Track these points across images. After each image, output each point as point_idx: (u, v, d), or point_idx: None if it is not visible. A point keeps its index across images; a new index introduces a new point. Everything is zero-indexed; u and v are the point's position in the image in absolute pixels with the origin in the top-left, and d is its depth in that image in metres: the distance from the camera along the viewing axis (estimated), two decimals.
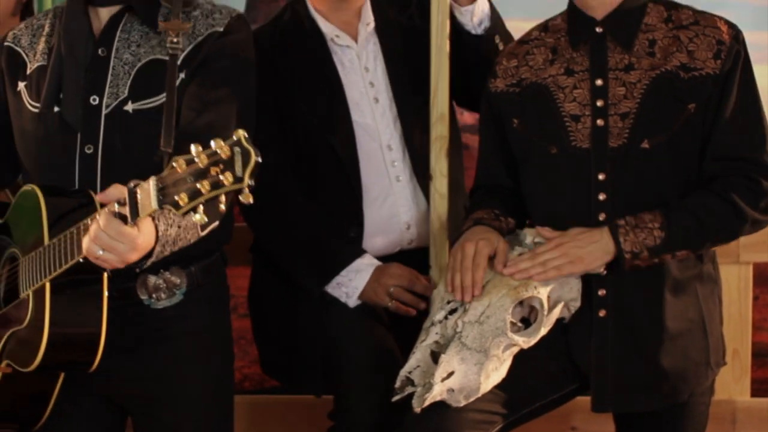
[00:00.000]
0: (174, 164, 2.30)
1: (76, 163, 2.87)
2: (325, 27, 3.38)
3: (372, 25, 3.40)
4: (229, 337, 3.11)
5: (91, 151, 2.87)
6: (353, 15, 3.42)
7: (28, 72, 2.97)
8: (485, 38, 3.31)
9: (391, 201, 3.36)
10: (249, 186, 2.26)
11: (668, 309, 2.91)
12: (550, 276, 2.90)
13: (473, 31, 3.30)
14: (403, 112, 3.41)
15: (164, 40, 2.87)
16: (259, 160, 2.26)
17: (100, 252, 2.48)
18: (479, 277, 2.93)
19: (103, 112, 2.87)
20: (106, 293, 2.68)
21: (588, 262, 2.90)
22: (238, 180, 2.25)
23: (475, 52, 3.31)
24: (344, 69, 3.37)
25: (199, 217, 2.30)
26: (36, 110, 2.91)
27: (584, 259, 2.90)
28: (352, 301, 3.26)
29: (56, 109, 2.88)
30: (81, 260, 2.56)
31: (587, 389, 2.98)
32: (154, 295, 2.86)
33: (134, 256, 2.52)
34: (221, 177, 2.26)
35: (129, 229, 2.45)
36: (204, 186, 2.27)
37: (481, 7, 3.29)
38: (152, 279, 2.84)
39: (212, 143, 2.28)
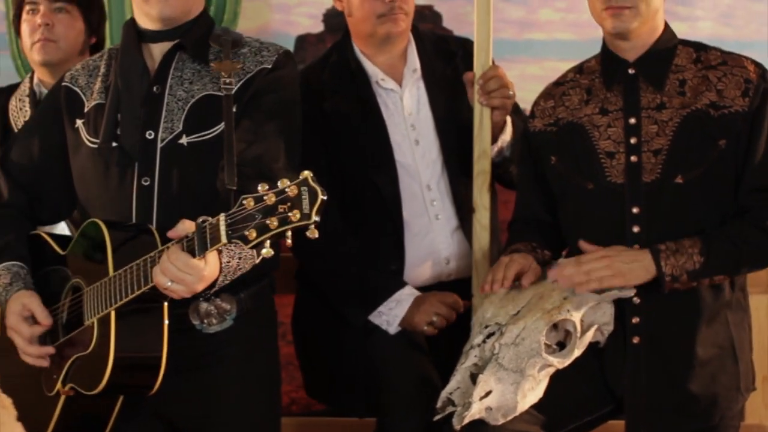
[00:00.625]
0: (243, 202, 2.41)
1: (133, 195, 2.94)
2: (371, 69, 3.44)
3: (418, 71, 3.46)
4: (276, 360, 3.16)
5: (147, 183, 2.93)
6: (397, 58, 3.47)
7: (86, 110, 3.04)
8: (501, 164, 3.38)
9: (431, 237, 3.41)
10: (315, 222, 2.36)
11: (699, 336, 2.95)
12: (592, 287, 2.94)
13: (494, 159, 3.36)
14: (444, 155, 3.46)
15: (215, 77, 2.94)
16: (325, 198, 2.37)
17: (169, 283, 2.57)
18: (510, 274, 3.00)
19: (159, 145, 2.94)
20: (166, 321, 2.75)
21: (629, 278, 2.94)
22: (306, 217, 2.36)
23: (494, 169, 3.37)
24: (388, 111, 3.43)
25: (266, 251, 2.41)
26: (95, 145, 2.98)
27: (626, 274, 2.94)
28: (393, 329, 3.32)
29: (114, 144, 2.95)
30: (147, 290, 2.65)
31: (620, 412, 3.02)
32: (205, 321, 2.92)
33: (200, 287, 2.61)
34: (289, 214, 2.37)
35: (196, 261, 2.55)
36: (272, 222, 2.38)
37: (504, 140, 3.37)
38: (204, 305, 2.90)
39: (279, 183, 2.39)
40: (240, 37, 3.04)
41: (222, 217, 2.45)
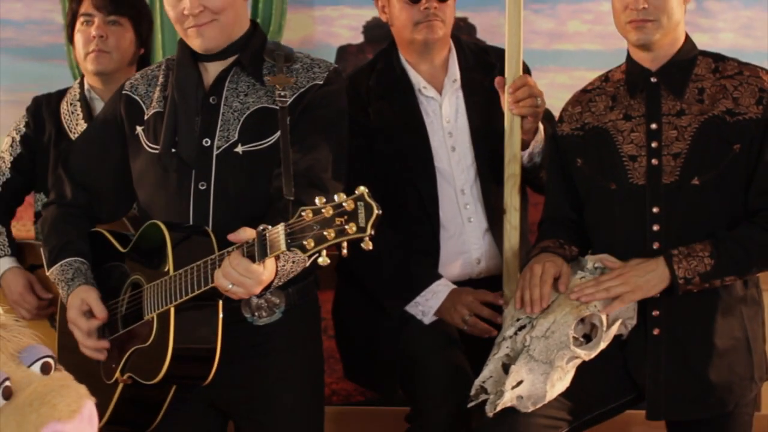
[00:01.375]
0: (302, 213, 2.48)
1: (190, 198, 3.00)
2: (414, 77, 3.48)
3: (458, 81, 3.50)
4: (320, 350, 3.21)
5: (204, 187, 2.99)
6: (439, 68, 3.51)
7: (146, 117, 3.10)
8: (532, 170, 3.42)
9: (464, 239, 3.46)
10: (370, 235, 2.44)
11: (716, 329, 3.02)
12: (615, 307, 2.99)
13: (525, 164, 3.40)
14: (478, 162, 3.49)
15: (270, 90, 2.99)
16: (380, 213, 2.43)
17: (230, 286, 2.65)
18: (546, 293, 3.03)
19: (215, 152, 3.00)
20: (221, 315, 2.82)
21: (646, 289, 3.00)
22: (362, 230, 2.43)
23: (525, 174, 3.41)
24: (428, 118, 3.47)
25: (322, 259, 2.48)
26: (155, 151, 3.04)
27: (643, 287, 2.99)
28: (428, 319, 3.37)
29: (173, 150, 3.00)
30: (207, 290, 2.72)
31: (642, 400, 3.09)
32: (256, 314, 2.98)
33: (258, 289, 2.68)
34: (346, 227, 2.44)
35: (256, 267, 2.62)
36: (330, 233, 2.44)
37: (536, 147, 3.40)
38: (255, 300, 2.95)
39: (336, 197, 2.46)
40: (291, 52, 3.09)
41: (281, 226, 2.52)
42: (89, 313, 2.96)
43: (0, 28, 4.33)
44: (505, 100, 3.31)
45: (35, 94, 4.18)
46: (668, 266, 2.98)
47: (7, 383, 2.14)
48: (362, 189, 2.45)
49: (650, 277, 3.00)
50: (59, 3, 4.52)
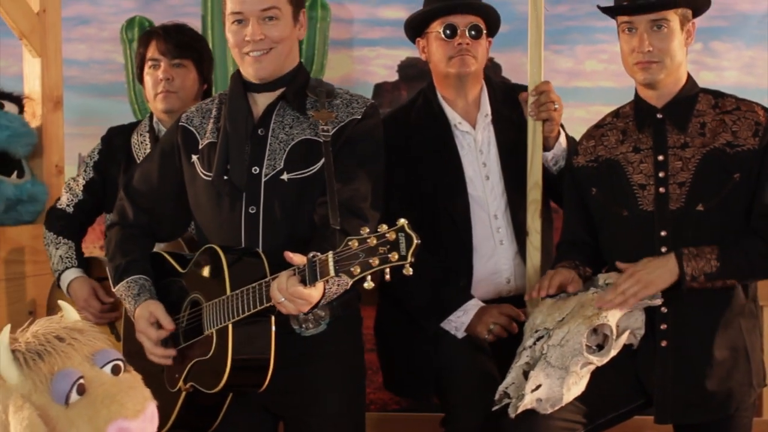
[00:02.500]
0: (349, 243, 2.59)
1: (242, 221, 3.07)
2: (450, 114, 3.56)
3: (489, 117, 3.57)
4: (362, 358, 3.27)
5: (254, 211, 3.06)
6: (473, 105, 3.58)
7: (200, 147, 3.16)
8: (558, 174, 3.49)
9: (495, 260, 3.53)
10: (411, 262, 2.54)
11: (718, 340, 3.10)
12: (631, 303, 3.06)
13: (549, 170, 3.49)
14: (509, 189, 3.55)
15: (312, 123, 3.07)
16: (419, 242, 2.54)
17: (282, 299, 2.76)
18: (554, 283, 3.16)
19: (263, 179, 3.07)
20: (273, 329, 2.91)
21: (658, 284, 3.07)
22: (403, 258, 2.54)
23: (549, 182, 3.48)
24: (463, 150, 3.55)
25: (367, 284, 2.59)
26: (208, 178, 3.11)
27: (655, 281, 3.06)
28: (460, 334, 3.45)
29: (225, 177, 3.08)
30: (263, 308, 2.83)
31: (650, 405, 3.17)
32: (303, 326, 3.06)
33: (306, 309, 2.80)
34: (389, 255, 2.55)
35: (307, 291, 2.72)
36: (374, 261, 2.56)
37: (557, 152, 3.47)
38: (302, 314, 2.97)
39: (379, 228, 2.56)
40: (332, 88, 3.16)
41: (330, 254, 2.62)
42: (156, 325, 3.04)
43: (67, 68, 4.44)
44: (528, 109, 3.42)
45: (98, 127, 4.29)
46: (678, 263, 3.06)
47: (82, 381, 2.27)
48: (402, 221, 2.55)
49: (660, 272, 3.06)
50: (120, 44, 4.69)
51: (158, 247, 3.38)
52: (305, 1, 3.23)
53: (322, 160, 3.00)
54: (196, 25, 4.54)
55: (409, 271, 2.55)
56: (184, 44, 3.74)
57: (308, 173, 3.06)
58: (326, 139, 3.00)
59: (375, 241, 2.56)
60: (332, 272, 2.62)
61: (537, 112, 3.40)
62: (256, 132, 3.12)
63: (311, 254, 2.69)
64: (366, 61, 4.94)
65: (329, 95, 3.13)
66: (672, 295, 3.10)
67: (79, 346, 2.32)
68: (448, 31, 3.47)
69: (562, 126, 3.52)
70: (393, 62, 4.89)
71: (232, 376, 2.90)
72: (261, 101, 3.15)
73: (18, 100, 4.19)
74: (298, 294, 2.73)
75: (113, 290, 3.20)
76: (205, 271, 3.06)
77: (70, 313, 2.46)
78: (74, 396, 2.25)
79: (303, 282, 2.72)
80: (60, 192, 4.12)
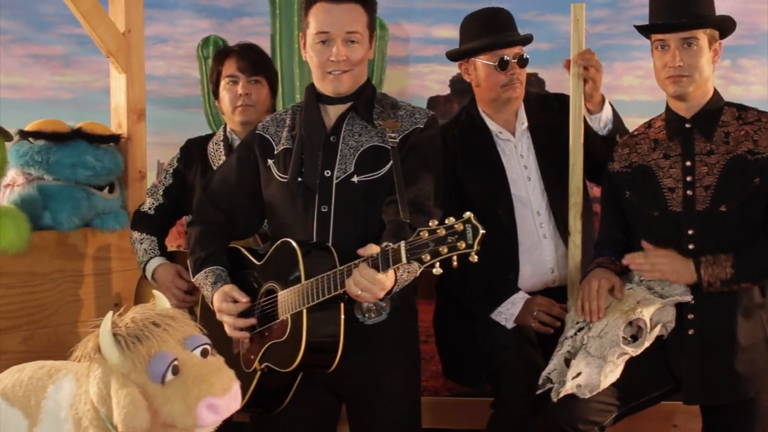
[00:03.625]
0: (420, 233, 2.69)
1: (314, 220, 3.16)
2: (492, 125, 3.68)
3: (526, 124, 3.69)
4: (418, 345, 3.34)
5: (326, 210, 3.15)
6: (512, 115, 3.69)
7: (276, 152, 3.25)
8: (608, 137, 3.54)
9: (539, 252, 3.64)
10: (477, 250, 2.64)
11: (739, 330, 3.19)
12: (655, 276, 3.19)
13: (600, 132, 3.53)
14: (548, 188, 3.65)
15: (379, 131, 3.16)
16: (484, 232, 2.63)
17: (359, 291, 2.85)
18: (602, 305, 3.23)
19: (334, 181, 3.16)
20: (343, 315, 3.01)
21: (680, 277, 3.19)
22: (470, 246, 2.64)
23: (601, 147, 3.53)
24: (505, 156, 3.66)
25: (435, 270, 2.68)
26: (284, 180, 3.20)
27: (679, 272, 3.19)
28: (509, 324, 3.55)
29: (299, 179, 3.17)
30: (336, 295, 2.92)
31: (679, 390, 3.28)
32: (366, 315, 3.13)
33: (381, 295, 2.87)
34: (457, 243, 2.65)
35: (381, 276, 2.82)
36: (443, 249, 2.65)
37: (606, 114, 3.52)
38: (365, 303, 3.08)
39: (446, 220, 2.66)
40: (396, 101, 3.26)
41: (402, 243, 2.72)
42: (233, 301, 3.14)
43: (147, 82, 4.54)
44: (570, 138, 3.49)
45: (175, 137, 4.52)
46: (696, 269, 3.17)
47: (176, 362, 2.43)
48: (468, 214, 2.65)
49: (684, 271, 3.18)
50: (195, 61, 4.78)
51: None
52: (375, 25, 3.29)
53: (389, 164, 3.10)
54: (265, 43, 4.62)
55: (474, 258, 2.64)
56: (258, 62, 3.84)
57: (377, 176, 3.15)
58: (393, 145, 3.09)
59: (444, 232, 2.66)
60: (404, 259, 2.72)
61: (581, 71, 3.46)
62: (328, 139, 3.20)
63: (384, 244, 2.79)
64: (420, 77, 5.00)
65: (393, 107, 3.22)
66: (698, 290, 3.20)
67: (172, 331, 2.47)
68: (504, 63, 3.58)
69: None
70: (445, 77, 4.95)
71: (305, 357, 2.99)
72: (332, 112, 3.24)
73: (116, 139, 4.35)
74: (374, 279, 2.81)
75: (192, 280, 3.32)
76: (281, 263, 3.14)
77: (162, 301, 2.62)
78: (169, 376, 2.41)
79: (376, 269, 2.80)
80: (142, 194, 4.28)
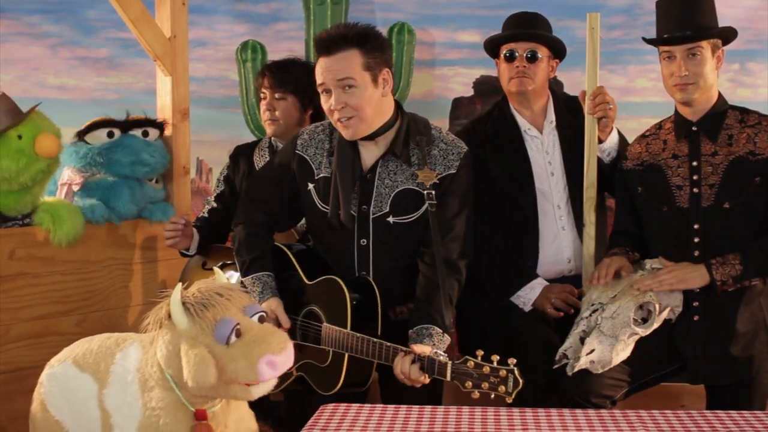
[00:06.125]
0: (467, 362, 2.87)
1: (354, 250, 3.31)
2: (521, 122, 3.84)
3: (554, 122, 3.84)
4: None
5: (365, 243, 3.30)
6: (539, 113, 3.84)
7: (316, 177, 3.35)
8: (610, 167, 3.74)
9: (558, 243, 3.82)
10: (511, 397, 2.81)
11: (740, 316, 3.35)
12: (664, 289, 3.32)
13: (603, 160, 3.74)
14: (570, 183, 3.80)
15: (415, 174, 3.24)
16: (523, 383, 2.80)
17: (402, 376, 3.04)
18: (610, 272, 3.39)
19: (371, 217, 3.28)
20: (375, 362, 3.19)
21: (689, 283, 3.34)
22: (508, 394, 2.83)
23: (606, 170, 3.72)
24: (532, 151, 3.82)
25: (474, 395, 2.86)
26: (325, 210, 3.32)
27: (687, 280, 3.34)
28: (527, 308, 3.72)
29: (339, 212, 3.29)
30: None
31: (684, 369, 3.42)
32: (398, 315, 3.36)
33: (418, 386, 3.07)
34: (498, 387, 2.84)
35: (423, 377, 3.01)
36: (485, 385, 2.85)
37: (610, 144, 3.70)
38: (398, 306, 3.33)
39: (494, 361, 2.84)
40: (431, 136, 3.32)
41: (449, 363, 2.91)
42: (275, 321, 3.27)
43: None
44: (586, 106, 3.65)
45: (214, 135, 4.77)
46: (708, 272, 3.31)
47: (238, 327, 2.69)
48: (512, 363, 2.84)
49: (694, 276, 3.33)
50: (234, 64, 4.94)
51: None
52: (387, 60, 3.31)
53: (423, 207, 3.23)
54: (299, 47, 4.87)
55: (509, 400, 2.84)
56: (285, 80, 4.01)
57: (411, 219, 3.30)
58: (431, 201, 3.19)
59: (488, 370, 2.85)
60: (449, 377, 2.92)
61: (594, 111, 3.62)
62: (365, 177, 3.31)
63: (434, 351, 3.00)
64: (446, 79, 5.09)
65: (428, 143, 3.30)
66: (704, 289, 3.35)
67: (234, 300, 2.75)
68: (508, 55, 3.80)
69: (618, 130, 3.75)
70: (469, 80, 5.05)
71: (342, 387, 3.22)
72: (368, 148, 3.34)
73: (159, 125, 4.52)
74: (416, 377, 3.02)
75: (242, 280, 3.43)
76: (329, 297, 3.28)
77: (221, 276, 2.90)
78: (233, 338, 2.68)
79: (422, 370, 3.00)
80: (186, 189, 4.55)
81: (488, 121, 3.90)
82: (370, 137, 3.30)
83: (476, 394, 2.84)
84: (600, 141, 3.69)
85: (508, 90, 3.84)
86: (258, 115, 4.30)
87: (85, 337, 3.13)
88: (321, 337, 3.26)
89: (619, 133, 3.78)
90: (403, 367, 3.01)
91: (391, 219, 3.27)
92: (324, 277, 3.31)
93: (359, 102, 3.21)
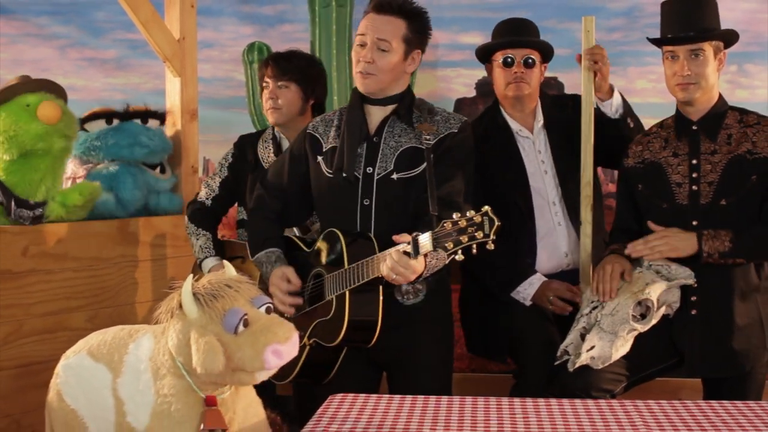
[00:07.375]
0: (444, 224, 2.88)
1: (357, 211, 3.37)
2: (512, 124, 3.92)
3: (542, 122, 3.91)
4: (452, 325, 3.52)
5: (368, 203, 3.35)
6: (529, 115, 3.92)
7: (324, 149, 3.45)
8: (621, 120, 3.77)
9: (554, 238, 3.88)
10: (492, 239, 2.82)
11: (736, 311, 3.39)
12: (655, 257, 3.33)
13: (612, 117, 3.75)
14: (562, 180, 3.87)
15: (417, 134, 3.33)
16: (500, 224, 2.81)
17: (394, 275, 3.06)
18: (615, 286, 3.41)
19: (376, 177, 3.35)
20: (381, 297, 3.23)
21: (679, 251, 3.33)
22: (486, 236, 2.83)
23: (615, 130, 3.76)
24: (524, 151, 3.90)
25: (458, 256, 2.89)
26: (331, 176, 3.40)
27: (678, 248, 3.34)
28: (527, 302, 3.77)
29: (344, 175, 3.36)
30: (374, 278, 3.11)
31: (682, 364, 3.45)
32: (405, 297, 3.33)
33: (413, 278, 3.08)
34: (476, 234, 2.83)
35: (412, 261, 3.02)
36: (464, 238, 2.85)
37: (616, 100, 3.75)
38: (404, 286, 3.28)
39: (467, 212, 2.82)
40: (433, 107, 3.44)
41: (429, 233, 2.91)
42: (287, 282, 3.37)
43: None
44: (582, 136, 3.71)
45: (220, 135, 4.78)
46: (698, 241, 3.34)
47: (246, 317, 2.74)
48: (486, 207, 2.84)
49: (684, 244, 3.34)
50: (241, 65, 4.97)
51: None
52: (423, 44, 3.44)
53: (425, 163, 3.27)
54: (304, 48, 4.73)
55: (491, 246, 2.84)
56: (288, 69, 4.04)
57: (414, 174, 3.35)
58: (428, 146, 3.27)
59: (465, 223, 2.86)
60: (430, 247, 2.94)
61: (590, 64, 3.67)
62: (371, 138, 3.39)
63: (414, 234, 3.01)
64: (448, 80, 5.14)
65: (430, 112, 3.41)
66: (700, 274, 3.37)
67: (242, 291, 2.81)
68: (509, 61, 3.86)
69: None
70: (471, 81, 5.11)
71: (348, 333, 3.22)
72: (375, 113, 3.43)
73: (161, 116, 4.56)
74: (406, 264, 3.02)
75: (252, 259, 3.52)
76: (327, 250, 3.35)
77: (230, 269, 2.97)
78: (241, 327, 2.74)
79: (408, 255, 3.02)
80: (195, 187, 4.54)
81: (480, 125, 3.95)
82: (383, 102, 3.41)
83: (460, 256, 2.86)
84: (602, 100, 3.75)
85: (505, 95, 3.91)
86: (264, 116, 4.34)
87: (99, 330, 3.19)
88: (324, 290, 3.30)
89: (622, 96, 3.82)
90: (389, 262, 3.04)
91: (395, 176, 3.33)
92: (321, 236, 3.37)
93: (385, 66, 3.33)
